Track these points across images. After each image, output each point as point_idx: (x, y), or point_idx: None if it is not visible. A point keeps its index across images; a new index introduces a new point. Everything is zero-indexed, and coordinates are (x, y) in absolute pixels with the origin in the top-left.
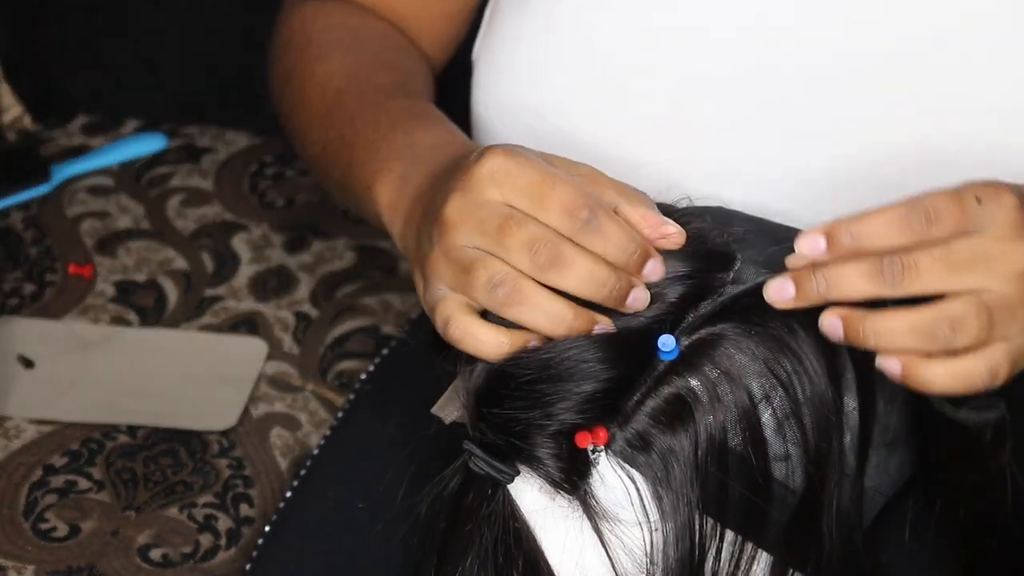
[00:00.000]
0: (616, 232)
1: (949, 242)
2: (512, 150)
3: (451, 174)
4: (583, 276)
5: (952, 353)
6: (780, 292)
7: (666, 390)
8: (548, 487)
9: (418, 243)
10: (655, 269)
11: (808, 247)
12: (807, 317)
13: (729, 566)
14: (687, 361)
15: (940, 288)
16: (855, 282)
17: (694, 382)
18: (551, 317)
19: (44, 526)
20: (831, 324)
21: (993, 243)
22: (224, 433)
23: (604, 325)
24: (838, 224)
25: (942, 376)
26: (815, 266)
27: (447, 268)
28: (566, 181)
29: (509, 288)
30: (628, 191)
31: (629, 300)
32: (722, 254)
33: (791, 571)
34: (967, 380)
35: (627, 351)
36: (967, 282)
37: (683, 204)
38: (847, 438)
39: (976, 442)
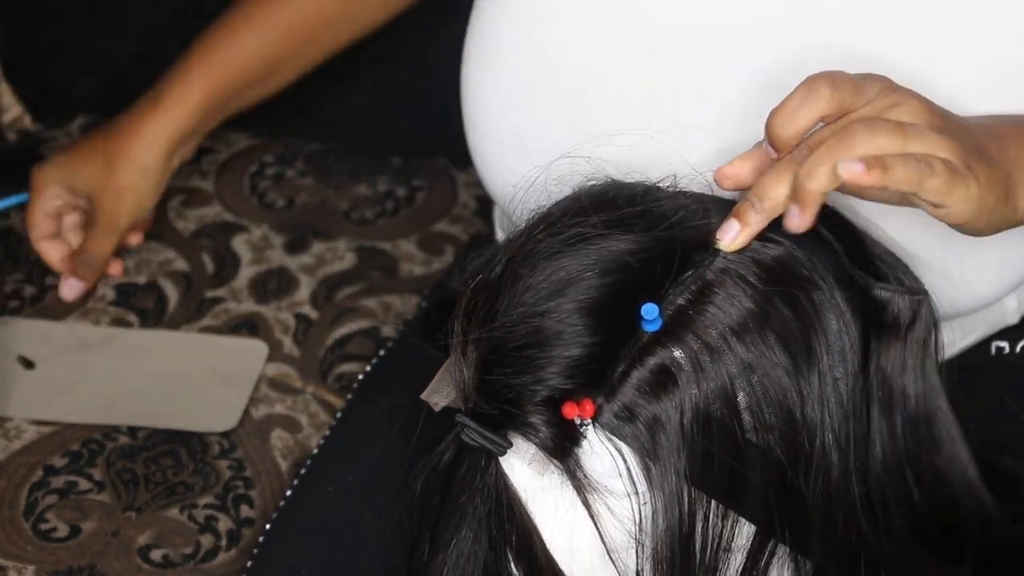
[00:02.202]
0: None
1: (851, 115)
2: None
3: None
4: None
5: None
6: (728, 232)
7: (651, 360)
8: (538, 460)
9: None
10: None
11: (730, 174)
12: (781, 290)
13: (714, 534)
14: (670, 332)
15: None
16: (779, 184)
17: (677, 352)
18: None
19: (44, 526)
20: (852, 167)
21: (886, 98)
22: (224, 434)
23: None
24: (766, 134)
25: (898, 169)
26: (746, 198)
27: None
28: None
29: None
30: None
31: None
32: (700, 230)
33: (773, 541)
34: (908, 167)
35: (612, 318)
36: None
37: (667, 184)
38: (826, 412)
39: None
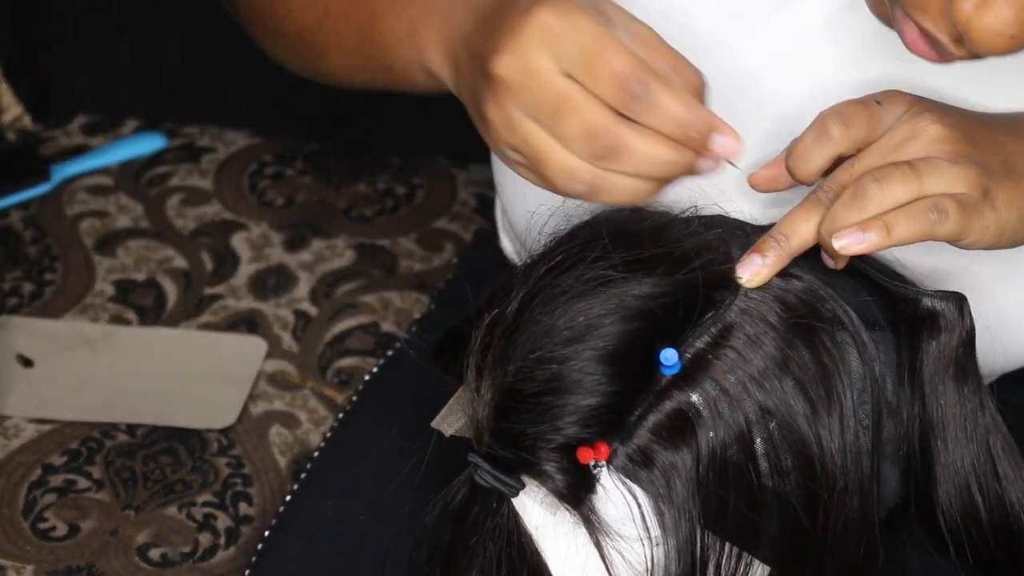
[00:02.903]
0: (673, 107)
1: (870, 147)
2: (562, 5)
3: (498, 21)
4: (642, 163)
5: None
6: (749, 267)
7: (668, 405)
8: (551, 501)
9: (472, 93)
10: (725, 144)
11: (760, 181)
12: (803, 332)
13: None
14: (688, 376)
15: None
16: (805, 221)
17: (695, 397)
18: (656, 163)
19: (43, 525)
20: (850, 239)
21: (904, 127)
22: (223, 431)
23: (724, 140)
24: (771, 173)
25: (901, 227)
26: (769, 234)
27: (518, 127)
28: (619, 48)
29: (607, 140)
30: (683, 66)
31: (701, 167)
32: (722, 272)
33: None
34: (916, 220)
35: (631, 365)
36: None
37: (688, 214)
38: (843, 452)
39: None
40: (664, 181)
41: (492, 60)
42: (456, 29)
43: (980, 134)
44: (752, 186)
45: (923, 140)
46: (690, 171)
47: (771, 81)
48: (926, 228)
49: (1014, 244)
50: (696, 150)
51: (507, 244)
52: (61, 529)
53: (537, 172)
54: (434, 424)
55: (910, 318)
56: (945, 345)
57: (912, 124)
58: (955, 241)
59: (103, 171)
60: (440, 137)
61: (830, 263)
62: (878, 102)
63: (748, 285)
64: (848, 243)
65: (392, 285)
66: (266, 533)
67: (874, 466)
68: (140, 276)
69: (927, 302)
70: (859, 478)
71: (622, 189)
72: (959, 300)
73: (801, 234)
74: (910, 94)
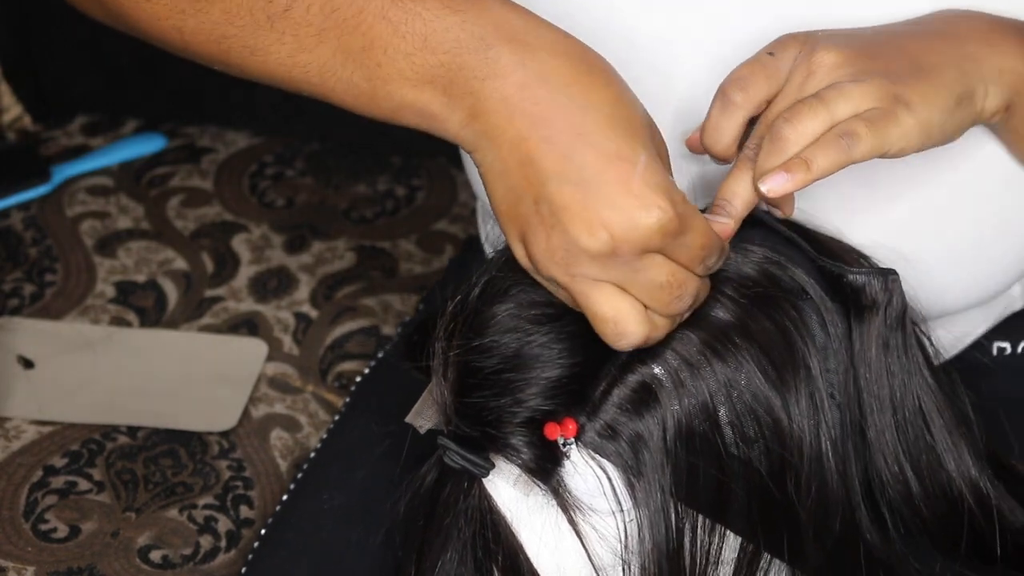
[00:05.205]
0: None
1: (775, 101)
2: (681, 203)
3: (593, 176)
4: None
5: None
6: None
7: (631, 378)
8: (523, 481)
9: (515, 213)
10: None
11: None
12: (763, 301)
13: (702, 549)
14: (649, 349)
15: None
16: (740, 181)
17: (657, 369)
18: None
19: (44, 527)
20: (775, 181)
21: (800, 67)
22: (224, 434)
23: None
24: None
25: (819, 159)
26: (715, 202)
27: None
28: (710, 235)
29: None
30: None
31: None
32: None
33: (767, 556)
34: (829, 150)
35: (592, 339)
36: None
37: None
38: (820, 421)
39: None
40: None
41: (581, 233)
42: (501, 100)
43: (877, 46)
44: (690, 148)
45: (822, 72)
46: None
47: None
48: (842, 155)
49: (947, 139)
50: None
51: (490, 252)
52: (62, 531)
53: (572, 303)
54: (408, 419)
55: (840, 293)
56: (871, 319)
57: (807, 62)
58: (882, 155)
59: (103, 171)
60: (440, 137)
61: (778, 213)
62: (770, 53)
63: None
64: (773, 185)
65: (392, 288)
66: (262, 531)
67: (847, 433)
68: (141, 278)
69: (852, 278)
70: (831, 445)
71: (655, 327)
72: (885, 275)
73: (741, 194)
74: (799, 34)
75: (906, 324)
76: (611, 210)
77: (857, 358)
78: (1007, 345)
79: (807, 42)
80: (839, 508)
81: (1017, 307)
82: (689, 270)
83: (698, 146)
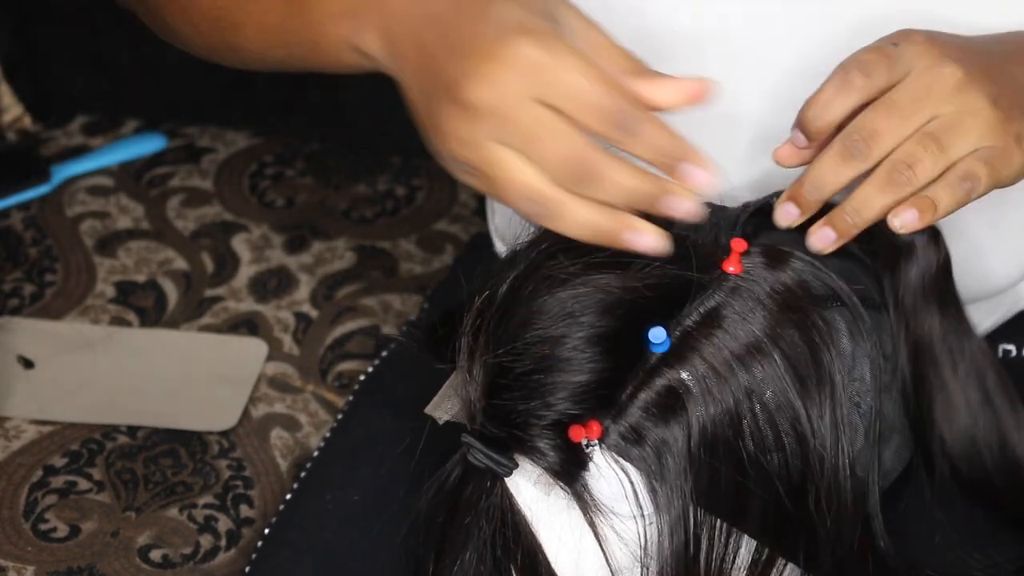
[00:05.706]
0: (653, 135)
1: (890, 95)
2: (542, 36)
3: (465, 37)
4: (613, 189)
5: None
6: (786, 216)
7: (658, 382)
8: (545, 481)
9: (425, 100)
10: (693, 173)
11: (785, 156)
12: (792, 310)
13: (718, 554)
14: (677, 354)
15: (902, 138)
16: (837, 172)
17: (684, 374)
18: (627, 190)
19: (44, 527)
20: (822, 235)
21: (923, 75)
22: (224, 434)
23: (698, 172)
24: (798, 123)
25: (945, 200)
26: (841, 208)
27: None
28: (605, 84)
29: (585, 165)
30: (637, 67)
31: (664, 208)
32: (714, 254)
33: (782, 561)
34: (955, 192)
35: (622, 344)
36: (919, 120)
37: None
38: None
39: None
40: (625, 210)
41: (463, 86)
42: (400, 16)
43: (993, 68)
44: (778, 162)
45: (946, 91)
46: (654, 207)
47: (783, 28)
48: (964, 197)
49: None
50: (671, 174)
51: (500, 248)
52: (62, 530)
53: (492, 189)
54: (428, 410)
55: (889, 247)
56: (925, 271)
57: (934, 71)
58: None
59: (103, 171)
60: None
61: (823, 246)
62: (895, 44)
63: (822, 254)
64: (905, 222)
65: (392, 288)
66: (266, 531)
67: (870, 442)
68: (141, 277)
69: (903, 235)
70: (852, 455)
71: (577, 217)
72: (933, 231)
73: (832, 182)
74: (923, 32)
75: (951, 277)
76: (479, 60)
77: (911, 313)
78: (1012, 347)
79: (933, 44)
80: (855, 519)
81: (1023, 306)
82: (585, 124)
83: (786, 159)
